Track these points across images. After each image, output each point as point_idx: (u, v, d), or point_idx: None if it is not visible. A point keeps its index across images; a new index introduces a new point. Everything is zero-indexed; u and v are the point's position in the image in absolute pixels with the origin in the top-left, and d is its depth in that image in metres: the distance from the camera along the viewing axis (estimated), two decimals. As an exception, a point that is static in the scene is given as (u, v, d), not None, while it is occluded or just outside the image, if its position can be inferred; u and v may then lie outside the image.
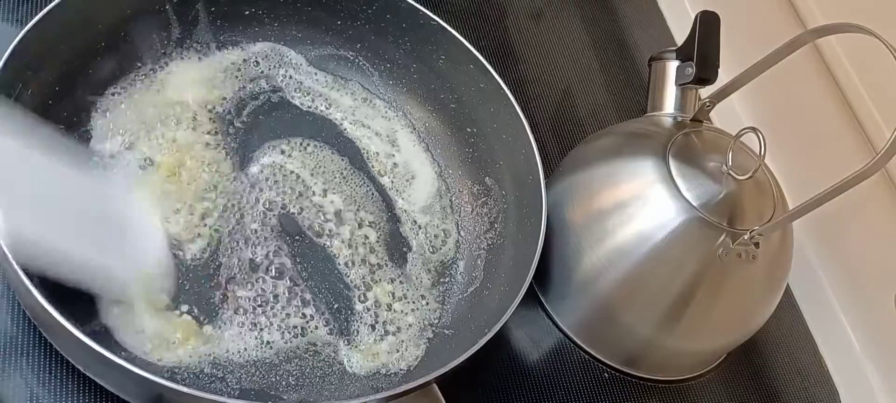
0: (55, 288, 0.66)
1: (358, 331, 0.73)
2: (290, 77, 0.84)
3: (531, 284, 0.72)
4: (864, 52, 0.80)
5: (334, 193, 0.79)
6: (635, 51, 1.04)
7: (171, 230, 0.72)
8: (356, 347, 0.72)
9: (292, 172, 0.79)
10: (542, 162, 0.77)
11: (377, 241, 0.78)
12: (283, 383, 0.69)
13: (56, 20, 0.71)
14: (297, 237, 0.76)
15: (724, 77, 0.78)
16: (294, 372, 0.70)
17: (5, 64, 0.66)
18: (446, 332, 0.74)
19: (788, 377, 0.87)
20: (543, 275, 0.79)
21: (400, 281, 0.76)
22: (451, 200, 0.82)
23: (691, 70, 0.79)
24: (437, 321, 0.75)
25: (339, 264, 0.75)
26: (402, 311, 0.75)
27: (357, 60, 0.86)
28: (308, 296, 0.73)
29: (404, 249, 0.78)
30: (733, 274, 0.74)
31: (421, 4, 0.82)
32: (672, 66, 0.81)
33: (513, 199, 0.79)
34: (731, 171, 0.73)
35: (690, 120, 0.80)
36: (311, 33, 0.85)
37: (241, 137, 0.79)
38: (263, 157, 0.79)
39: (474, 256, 0.79)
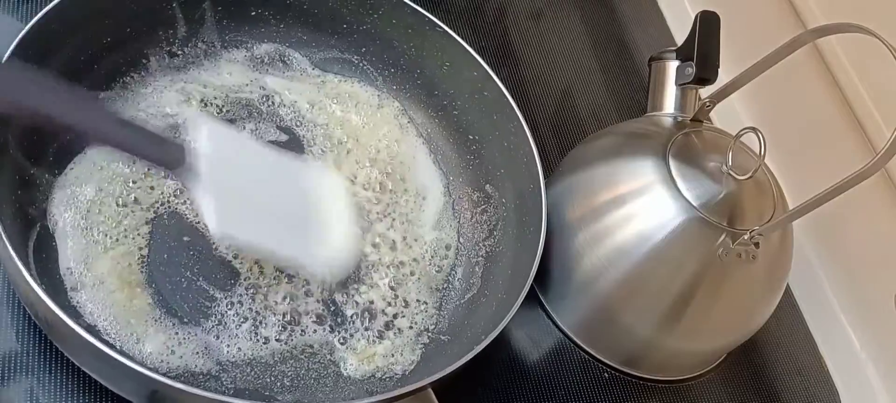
0: (53, 286, 0.66)
1: (354, 335, 0.73)
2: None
3: (531, 284, 0.72)
4: (864, 52, 0.80)
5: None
6: (635, 51, 1.04)
7: None
8: (352, 350, 0.72)
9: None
10: (542, 162, 0.77)
11: (375, 245, 0.77)
12: (278, 384, 0.69)
13: (61, 16, 0.71)
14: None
15: (724, 77, 0.78)
16: (289, 374, 0.70)
17: (9, 59, 0.67)
18: (443, 338, 0.74)
19: (788, 377, 0.87)
20: (543, 275, 0.79)
21: (398, 286, 0.76)
22: (452, 206, 0.82)
23: (691, 70, 0.79)
24: (433, 326, 0.75)
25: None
26: (399, 316, 0.75)
27: (361, 64, 0.86)
28: (306, 297, 0.73)
29: (403, 253, 0.78)
30: (733, 274, 0.74)
31: (421, 5, 0.82)
32: (672, 66, 0.81)
33: (513, 207, 0.79)
34: (731, 171, 0.73)
35: (690, 120, 0.80)
36: (317, 36, 0.85)
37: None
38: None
39: (473, 263, 0.79)
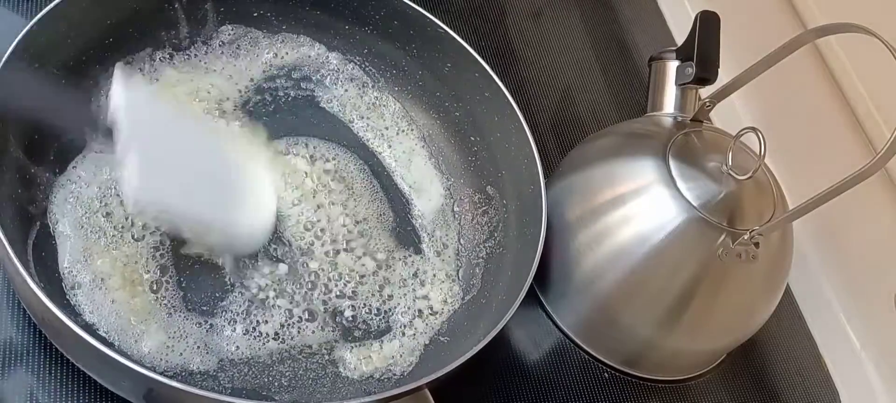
0: (53, 286, 0.66)
1: (353, 335, 0.73)
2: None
3: (531, 284, 0.72)
4: (864, 52, 0.80)
5: (336, 195, 0.79)
6: (635, 51, 1.04)
7: None
8: (350, 351, 0.72)
9: (294, 172, 0.79)
10: (542, 162, 0.77)
11: (374, 246, 0.77)
12: (276, 384, 0.69)
13: (64, 14, 0.71)
14: (294, 238, 0.75)
15: (724, 77, 0.78)
16: (287, 374, 0.70)
17: (10, 57, 0.67)
18: (442, 339, 0.74)
19: (788, 377, 0.87)
20: (543, 275, 0.79)
21: (397, 287, 0.76)
22: (452, 208, 0.82)
23: (691, 70, 0.79)
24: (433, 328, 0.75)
25: (337, 266, 0.75)
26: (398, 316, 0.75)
27: (364, 65, 0.86)
28: (306, 298, 0.73)
29: (403, 255, 0.78)
30: (733, 274, 0.74)
31: (421, 5, 0.82)
32: (672, 66, 0.81)
33: (513, 209, 0.79)
34: (731, 171, 0.73)
35: (690, 120, 0.80)
36: (319, 37, 0.85)
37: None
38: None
39: (473, 264, 0.79)
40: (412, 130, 0.85)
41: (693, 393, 0.82)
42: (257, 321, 0.71)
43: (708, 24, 0.79)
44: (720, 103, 0.78)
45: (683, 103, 0.81)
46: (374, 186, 0.81)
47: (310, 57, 0.85)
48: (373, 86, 0.86)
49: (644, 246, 0.74)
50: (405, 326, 0.74)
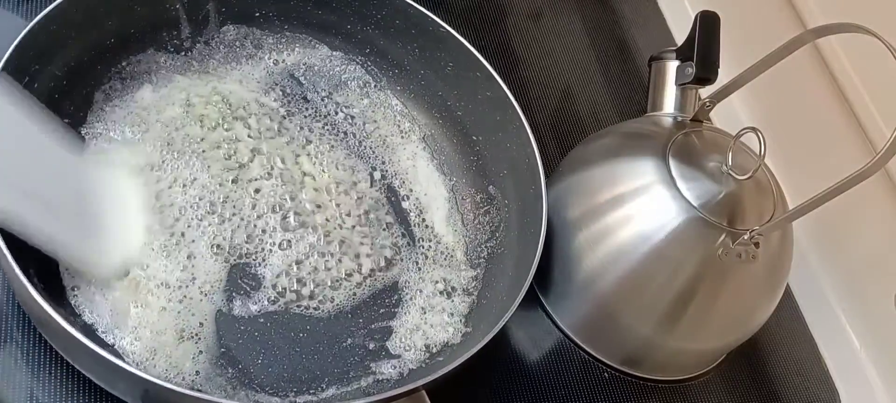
0: (52, 285, 0.66)
1: (353, 336, 0.73)
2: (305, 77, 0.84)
3: (531, 284, 0.72)
4: (864, 52, 0.80)
5: (339, 195, 0.79)
6: (635, 51, 1.04)
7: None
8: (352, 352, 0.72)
9: (296, 173, 0.79)
10: (543, 162, 0.77)
11: (372, 247, 0.77)
12: (275, 384, 0.69)
13: (65, 14, 0.71)
14: (292, 238, 0.75)
15: (724, 77, 0.78)
16: (286, 374, 0.69)
17: (12, 55, 0.67)
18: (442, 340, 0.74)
19: (788, 377, 0.87)
20: (543, 275, 0.79)
21: (397, 288, 0.76)
22: (455, 208, 0.82)
23: (691, 70, 0.79)
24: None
25: (334, 268, 0.75)
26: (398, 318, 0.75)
27: (366, 65, 0.86)
28: (304, 299, 0.73)
29: (403, 254, 0.78)
30: (733, 274, 0.74)
31: (422, 6, 0.82)
32: (672, 65, 0.81)
33: (515, 208, 0.79)
34: (731, 171, 0.73)
35: (690, 120, 0.80)
36: (321, 36, 0.85)
37: (241, 134, 0.80)
38: (264, 154, 0.79)
39: (475, 265, 0.79)
40: (414, 130, 0.85)
41: (693, 393, 0.82)
42: (257, 321, 0.71)
43: (708, 24, 0.79)
44: (720, 103, 0.78)
45: (683, 103, 0.81)
46: (374, 188, 0.81)
47: (312, 57, 0.85)
48: (375, 86, 0.86)
49: (644, 246, 0.74)
50: (404, 327, 0.74)
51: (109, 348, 0.65)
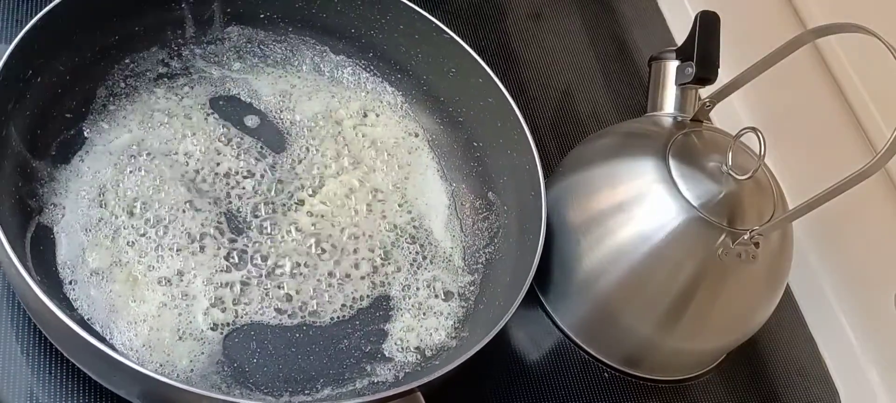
0: (49, 278, 0.66)
1: (353, 338, 0.73)
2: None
3: (531, 285, 0.72)
4: (864, 52, 0.80)
5: (339, 197, 0.79)
6: (635, 51, 1.04)
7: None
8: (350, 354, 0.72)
9: (297, 176, 0.79)
10: (543, 164, 0.77)
11: (371, 250, 0.77)
12: (274, 382, 0.69)
13: (70, 10, 0.71)
14: (291, 240, 0.76)
15: (724, 77, 0.78)
16: (283, 374, 0.69)
17: (15, 49, 0.67)
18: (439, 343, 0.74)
19: (788, 377, 0.87)
20: (543, 275, 0.79)
21: (394, 291, 0.76)
22: (455, 213, 0.82)
23: (691, 70, 0.79)
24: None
25: (331, 270, 0.75)
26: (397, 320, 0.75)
27: (369, 68, 0.86)
28: (304, 301, 0.73)
29: (401, 258, 0.78)
30: (733, 274, 0.74)
31: (421, 6, 0.82)
32: (672, 65, 0.81)
33: (514, 215, 0.79)
34: (731, 171, 0.73)
35: (690, 120, 0.80)
36: (325, 39, 0.85)
37: (242, 136, 0.80)
38: (264, 156, 0.79)
39: (473, 270, 0.79)
40: (416, 135, 0.85)
41: (693, 393, 0.82)
42: (253, 321, 0.71)
43: (708, 24, 0.79)
44: (720, 103, 0.78)
45: (683, 103, 0.81)
46: (374, 192, 0.81)
47: (316, 59, 0.85)
48: (378, 90, 0.86)
49: (644, 246, 0.74)
50: (400, 330, 0.74)
51: (104, 341, 0.65)
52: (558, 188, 0.80)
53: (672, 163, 0.75)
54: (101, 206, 0.71)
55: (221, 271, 0.72)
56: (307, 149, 0.81)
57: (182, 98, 0.80)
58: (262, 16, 0.83)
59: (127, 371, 0.59)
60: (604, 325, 0.79)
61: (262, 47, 0.84)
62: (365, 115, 0.85)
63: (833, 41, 0.87)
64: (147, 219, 0.72)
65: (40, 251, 0.68)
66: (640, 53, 1.03)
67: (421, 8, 0.82)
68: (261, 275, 0.73)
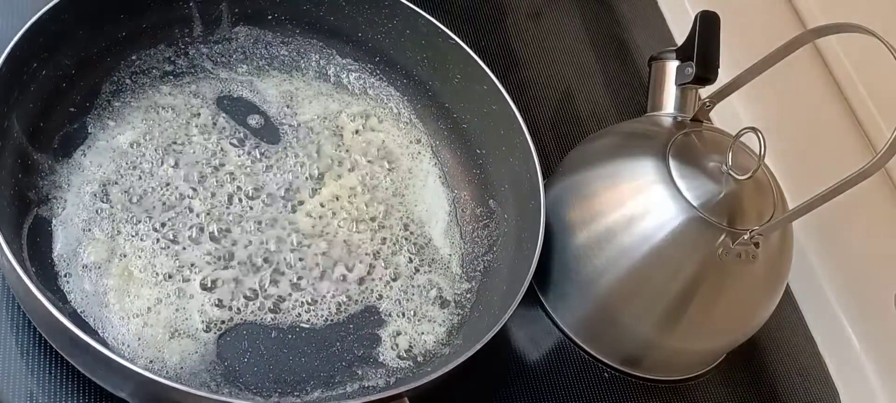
0: (44, 271, 0.66)
1: (352, 344, 0.73)
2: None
3: (531, 284, 0.71)
4: (864, 52, 0.81)
5: (339, 200, 0.79)
6: (635, 51, 1.04)
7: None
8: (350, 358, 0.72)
9: (297, 179, 0.79)
10: (542, 163, 0.77)
11: (368, 254, 0.77)
12: (273, 382, 0.69)
13: (77, 5, 0.72)
14: (289, 242, 0.75)
15: (724, 77, 0.78)
16: (283, 374, 0.69)
17: (20, 41, 0.67)
18: (433, 349, 0.74)
19: (788, 377, 0.87)
20: (543, 276, 0.79)
21: (390, 295, 0.76)
22: (455, 220, 0.82)
23: (691, 70, 0.79)
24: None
25: (329, 272, 0.75)
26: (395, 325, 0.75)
27: (375, 73, 0.86)
28: (310, 306, 0.73)
29: (399, 263, 0.78)
30: (733, 274, 0.74)
31: (420, 6, 0.82)
32: (672, 66, 0.81)
33: (513, 224, 0.79)
34: (731, 171, 0.73)
35: (690, 120, 0.80)
36: (332, 42, 0.85)
37: (242, 136, 0.80)
38: (265, 158, 0.79)
39: (470, 278, 0.79)
40: (419, 140, 0.85)
41: (693, 393, 0.82)
42: (247, 322, 0.71)
43: (708, 24, 0.79)
44: (720, 103, 0.78)
45: (683, 103, 0.81)
46: (375, 196, 0.81)
47: (321, 62, 0.85)
48: (383, 94, 0.86)
49: (644, 246, 0.74)
50: (394, 335, 0.74)
51: (96, 335, 0.65)
52: (558, 188, 0.80)
53: (672, 163, 0.75)
54: (100, 201, 0.72)
55: (217, 270, 0.72)
56: (309, 151, 0.81)
57: (187, 96, 0.80)
58: (269, 17, 0.83)
59: (115, 366, 0.59)
60: (604, 325, 0.79)
61: (268, 48, 0.84)
62: (368, 119, 0.85)
63: (833, 41, 0.87)
64: (145, 216, 0.72)
65: (37, 243, 0.68)
66: (640, 53, 1.03)
67: (421, 9, 0.82)
68: (257, 276, 0.73)
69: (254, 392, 0.68)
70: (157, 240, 0.71)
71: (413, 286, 0.77)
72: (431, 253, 0.79)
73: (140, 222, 0.72)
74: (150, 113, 0.77)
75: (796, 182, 0.84)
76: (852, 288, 0.89)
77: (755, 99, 0.94)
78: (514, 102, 0.80)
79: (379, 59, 0.86)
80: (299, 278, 0.74)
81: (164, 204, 0.73)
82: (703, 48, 0.78)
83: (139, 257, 0.70)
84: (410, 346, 0.73)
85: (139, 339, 0.67)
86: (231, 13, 0.82)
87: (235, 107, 0.81)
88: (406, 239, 0.79)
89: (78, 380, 0.65)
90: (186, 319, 0.69)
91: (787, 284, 0.84)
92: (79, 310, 0.66)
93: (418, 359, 0.73)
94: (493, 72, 0.81)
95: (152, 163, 0.75)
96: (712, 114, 0.80)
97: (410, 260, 0.78)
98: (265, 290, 0.72)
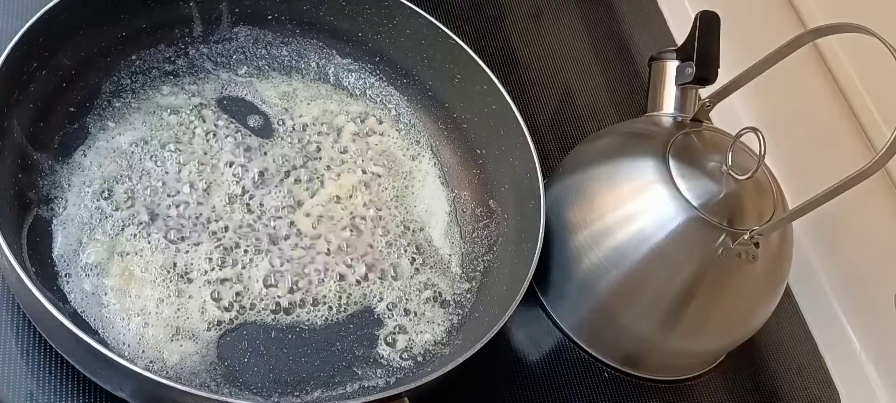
0: (44, 270, 0.66)
1: (353, 345, 0.73)
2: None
3: (531, 284, 0.71)
4: (864, 52, 0.80)
5: (338, 201, 0.79)
6: (635, 51, 1.04)
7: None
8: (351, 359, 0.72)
9: (297, 180, 0.79)
10: (542, 162, 0.77)
11: (368, 254, 0.77)
12: (271, 381, 0.69)
13: (78, 4, 0.72)
14: (288, 243, 0.75)
15: (724, 77, 0.78)
16: (283, 374, 0.69)
17: (20, 41, 0.67)
18: (433, 349, 0.74)
19: (788, 377, 0.87)
20: (543, 276, 0.79)
21: (389, 295, 0.76)
22: (455, 220, 0.82)
23: (691, 70, 0.79)
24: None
25: (329, 273, 0.75)
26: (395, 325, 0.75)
27: (375, 73, 0.86)
28: (311, 308, 0.73)
29: (399, 263, 0.78)
30: (733, 274, 0.74)
31: (420, 6, 0.82)
32: (672, 65, 0.81)
33: (513, 224, 0.79)
34: (731, 171, 0.73)
35: (690, 120, 0.80)
36: (332, 42, 0.85)
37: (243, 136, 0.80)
38: (266, 158, 0.79)
39: (470, 278, 0.79)
40: (419, 140, 0.85)
41: (693, 393, 0.82)
42: (247, 322, 0.71)
43: (708, 24, 0.79)
44: (720, 103, 0.78)
45: (683, 103, 0.81)
46: (374, 196, 0.81)
47: (321, 62, 0.85)
48: (383, 95, 0.86)
49: (644, 246, 0.74)
50: (394, 335, 0.74)
51: (96, 335, 0.65)
52: (558, 188, 0.80)
53: (672, 163, 0.75)
54: (100, 201, 0.72)
55: (216, 269, 0.72)
56: (309, 151, 0.81)
57: (187, 96, 0.80)
58: (269, 17, 0.83)
59: (115, 366, 0.59)
60: (604, 325, 0.79)
61: (268, 49, 0.84)
62: (368, 120, 0.85)
63: (833, 41, 0.87)
64: (145, 216, 0.72)
65: (37, 243, 0.68)
66: (640, 53, 1.03)
67: (421, 9, 0.82)
68: (256, 275, 0.73)
69: (254, 392, 0.68)
70: (157, 240, 0.71)
71: (413, 286, 0.77)
72: (431, 253, 0.79)
73: (140, 222, 0.72)
74: (150, 113, 0.78)
75: (796, 182, 0.84)
76: (852, 288, 0.89)
77: (755, 99, 0.94)
78: (514, 102, 0.80)
79: (379, 60, 0.86)
80: (299, 278, 0.74)
81: (164, 204, 0.73)
82: (703, 48, 0.78)
83: (139, 257, 0.70)
84: (410, 346, 0.73)
85: (139, 339, 0.67)
86: (231, 13, 0.82)
87: (235, 107, 0.81)
88: (406, 239, 0.79)
89: (78, 380, 0.65)
90: (187, 319, 0.69)
91: (787, 284, 0.84)
92: (79, 310, 0.66)
93: (418, 359, 0.73)
94: (493, 72, 0.81)
95: (152, 163, 0.75)
96: (712, 114, 0.80)
97: (410, 261, 0.78)
98: (265, 290, 0.72)
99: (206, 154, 0.77)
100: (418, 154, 0.84)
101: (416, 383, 0.64)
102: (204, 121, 0.79)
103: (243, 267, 0.73)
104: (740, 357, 0.85)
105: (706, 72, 0.79)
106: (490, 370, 0.76)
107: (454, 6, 0.98)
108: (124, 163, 0.74)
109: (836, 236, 0.91)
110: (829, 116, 0.89)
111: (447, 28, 0.82)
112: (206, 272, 0.71)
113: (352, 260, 0.76)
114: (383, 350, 0.73)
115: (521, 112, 0.80)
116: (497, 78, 0.81)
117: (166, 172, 0.75)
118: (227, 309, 0.70)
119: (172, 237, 0.72)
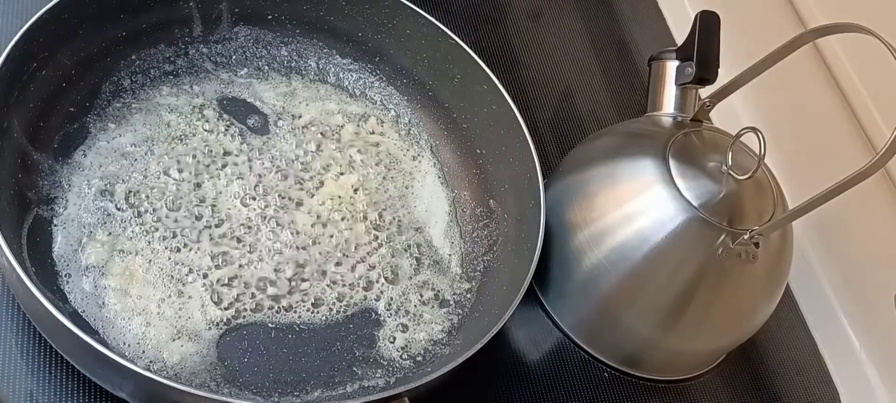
0: (44, 270, 0.66)
1: (352, 344, 0.73)
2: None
3: (531, 284, 0.71)
4: (864, 52, 0.80)
5: (339, 201, 0.79)
6: (635, 51, 1.04)
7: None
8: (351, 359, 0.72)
9: (298, 180, 0.79)
10: (542, 162, 0.77)
11: (368, 254, 0.77)
12: (272, 381, 0.69)
13: (78, 4, 0.72)
14: (288, 243, 0.75)
15: (724, 77, 0.78)
16: (284, 374, 0.69)
17: (19, 41, 0.67)
18: (433, 349, 0.74)
19: (788, 377, 0.87)
20: (543, 275, 0.79)
21: (389, 295, 0.76)
22: (455, 220, 0.82)
23: (691, 70, 0.79)
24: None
25: (328, 274, 0.75)
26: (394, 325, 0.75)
27: (375, 73, 0.86)
28: (312, 309, 0.73)
29: (398, 263, 0.78)
30: (733, 274, 0.74)
31: (420, 6, 0.82)
32: (672, 65, 0.81)
33: (513, 223, 0.79)
34: (731, 171, 0.73)
35: (690, 120, 0.80)
36: (332, 42, 0.85)
37: (242, 133, 0.80)
38: (267, 158, 0.79)
39: (470, 278, 0.79)
40: (419, 141, 0.85)
41: (693, 393, 0.82)
42: (247, 322, 0.71)
43: (708, 24, 0.79)
44: (720, 103, 0.78)
45: (683, 103, 0.81)
46: (375, 197, 0.81)
47: (321, 62, 0.85)
48: (383, 95, 0.86)
49: (644, 246, 0.74)
50: (394, 335, 0.74)
51: (96, 335, 0.65)
52: (558, 188, 0.80)
53: (672, 163, 0.75)
54: (100, 201, 0.72)
55: (217, 269, 0.72)
56: (309, 151, 0.81)
57: (187, 97, 0.80)
58: (269, 17, 0.84)
59: (115, 366, 0.59)
60: (604, 325, 0.79)
61: (268, 49, 0.84)
62: (368, 120, 0.85)
63: (833, 41, 0.87)
64: (146, 216, 0.72)
65: (37, 243, 0.68)
66: (640, 53, 1.03)
67: (421, 9, 0.82)
68: (257, 276, 0.73)
69: (254, 392, 0.68)
70: (157, 240, 0.71)
71: (413, 286, 0.77)
72: (431, 253, 0.79)
73: (140, 222, 0.72)
74: (151, 113, 0.78)
75: (796, 182, 0.84)
76: (852, 288, 0.89)
77: (755, 99, 0.94)
78: (514, 102, 0.80)
79: (379, 60, 0.86)
80: (299, 278, 0.74)
81: (163, 204, 0.73)
82: (703, 48, 0.78)
83: (139, 257, 0.70)
84: (410, 346, 0.73)
85: (139, 339, 0.67)
86: (231, 13, 0.82)
87: (235, 107, 0.81)
88: (405, 239, 0.79)
89: (78, 380, 0.65)
90: (187, 319, 0.69)
91: (787, 284, 0.84)
92: (79, 310, 0.66)
93: (418, 359, 0.73)
94: (493, 72, 0.81)
95: (152, 163, 0.75)
96: (712, 114, 0.80)
97: (410, 261, 0.78)
98: (265, 290, 0.72)
99: (205, 154, 0.77)
100: (418, 154, 0.84)
101: (416, 383, 0.64)
102: (206, 122, 0.79)
103: (243, 267, 0.73)
104: (740, 357, 0.85)
105: (706, 73, 0.79)
106: (490, 370, 0.76)
107: (454, 6, 0.98)
108: (124, 162, 0.74)
109: (836, 236, 0.91)
110: (829, 116, 0.89)
111: (447, 28, 0.82)
112: (206, 272, 0.71)
113: (352, 259, 0.76)
114: (383, 350, 0.73)
115: (521, 112, 0.80)
116: (497, 78, 0.81)
117: (166, 172, 0.75)
118: (227, 309, 0.70)
119: (172, 237, 0.72)
